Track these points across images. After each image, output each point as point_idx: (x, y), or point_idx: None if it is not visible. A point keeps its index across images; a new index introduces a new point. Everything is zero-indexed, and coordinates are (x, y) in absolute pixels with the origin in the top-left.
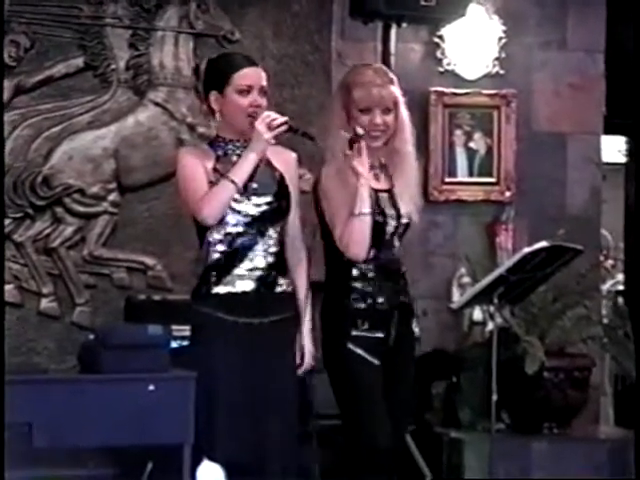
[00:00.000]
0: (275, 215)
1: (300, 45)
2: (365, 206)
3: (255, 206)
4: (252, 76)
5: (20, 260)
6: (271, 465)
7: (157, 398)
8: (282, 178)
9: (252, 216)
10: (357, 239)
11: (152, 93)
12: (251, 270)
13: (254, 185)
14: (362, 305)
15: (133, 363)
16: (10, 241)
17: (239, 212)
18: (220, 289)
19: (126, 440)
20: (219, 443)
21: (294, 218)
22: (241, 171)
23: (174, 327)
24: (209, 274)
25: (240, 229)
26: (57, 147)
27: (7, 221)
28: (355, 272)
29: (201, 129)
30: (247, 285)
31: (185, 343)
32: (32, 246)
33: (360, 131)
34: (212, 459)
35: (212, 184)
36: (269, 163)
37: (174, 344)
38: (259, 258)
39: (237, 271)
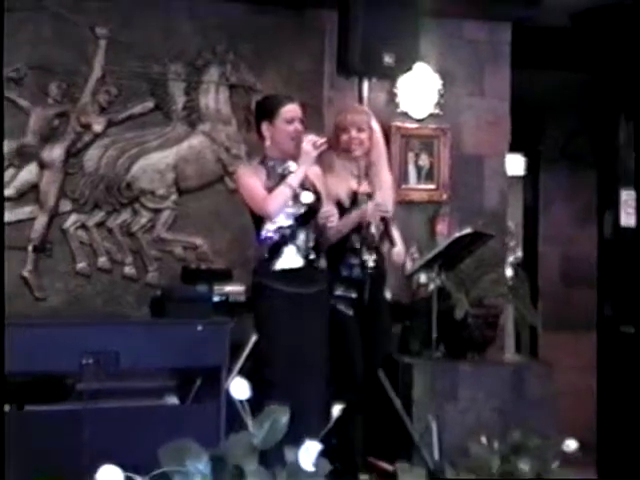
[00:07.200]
0: (312, 212)
1: (302, 93)
2: (347, 228)
3: (299, 207)
4: (294, 110)
5: (111, 240)
6: (308, 404)
7: (203, 335)
8: (314, 186)
9: (298, 214)
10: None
11: (201, 125)
12: (298, 251)
13: (298, 192)
14: (344, 273)
15: (187, 311)
16: (104, 227)
17: (289, 212)
18: (277, 266)
19: (182, 363)
20: (275, 387)
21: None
22: (295, 178)
23: (215, 287)
24: (267, 256)
25: (290, 222)
26: (135, 163)
27: (101, 213)
28: (343, 250)
29: (234, 151)
30: (297, 262)
31: (223, 298)
32: (119, 231)
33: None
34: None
35: (267, 191)
36: (306, 177)
37: (215, 298)
38: (303, 242)
39: (288, 253)
